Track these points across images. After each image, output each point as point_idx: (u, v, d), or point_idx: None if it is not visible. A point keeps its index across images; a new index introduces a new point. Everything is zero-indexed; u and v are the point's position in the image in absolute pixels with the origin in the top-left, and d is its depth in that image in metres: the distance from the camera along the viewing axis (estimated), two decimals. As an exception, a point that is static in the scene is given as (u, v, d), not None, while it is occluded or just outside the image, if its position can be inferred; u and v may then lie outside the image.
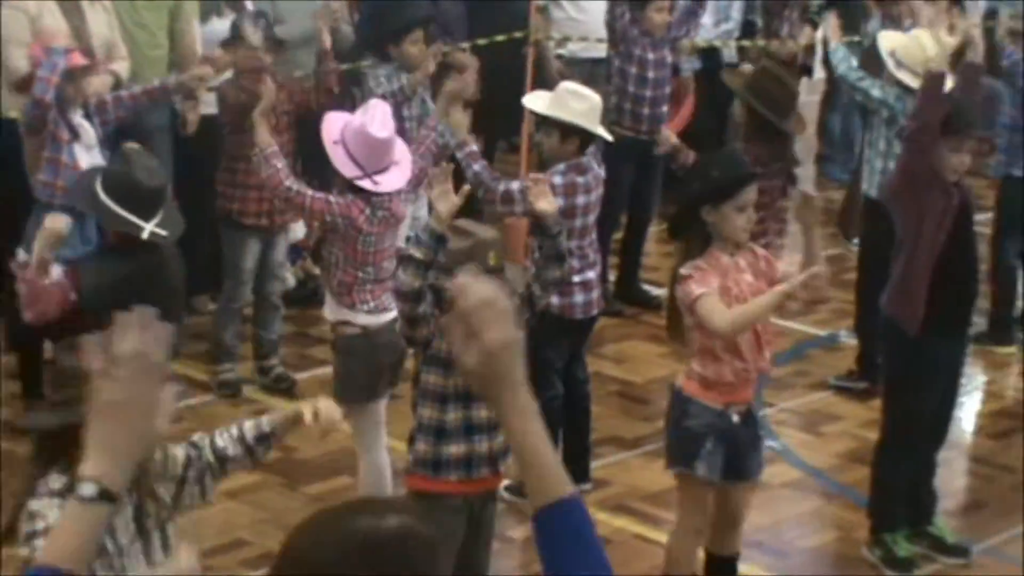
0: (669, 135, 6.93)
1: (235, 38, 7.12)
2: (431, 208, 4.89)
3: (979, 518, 6.37)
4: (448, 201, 4.72)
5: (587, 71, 9.37)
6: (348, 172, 5.69)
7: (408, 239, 6.34)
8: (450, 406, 4.70)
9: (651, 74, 8.32)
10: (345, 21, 8.27)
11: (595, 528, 2.33)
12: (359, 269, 5.73)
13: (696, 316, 4.94)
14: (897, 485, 5.93)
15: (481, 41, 8.70)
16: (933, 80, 5.65)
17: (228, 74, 7.20)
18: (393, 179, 5.76)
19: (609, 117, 8.18)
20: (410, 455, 4.82)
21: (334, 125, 5.80)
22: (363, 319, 5.74)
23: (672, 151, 6.88)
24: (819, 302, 5.73)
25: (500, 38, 8.83)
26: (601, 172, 6.25)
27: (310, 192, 5.78)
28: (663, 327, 7.06)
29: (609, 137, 6.29)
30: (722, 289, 4.94)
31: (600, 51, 9.40)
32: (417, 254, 4.63)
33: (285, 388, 7.13)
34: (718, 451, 5.05)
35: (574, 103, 6.10)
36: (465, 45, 8.59)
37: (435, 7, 8.52)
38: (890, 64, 7.09)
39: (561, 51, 9.32)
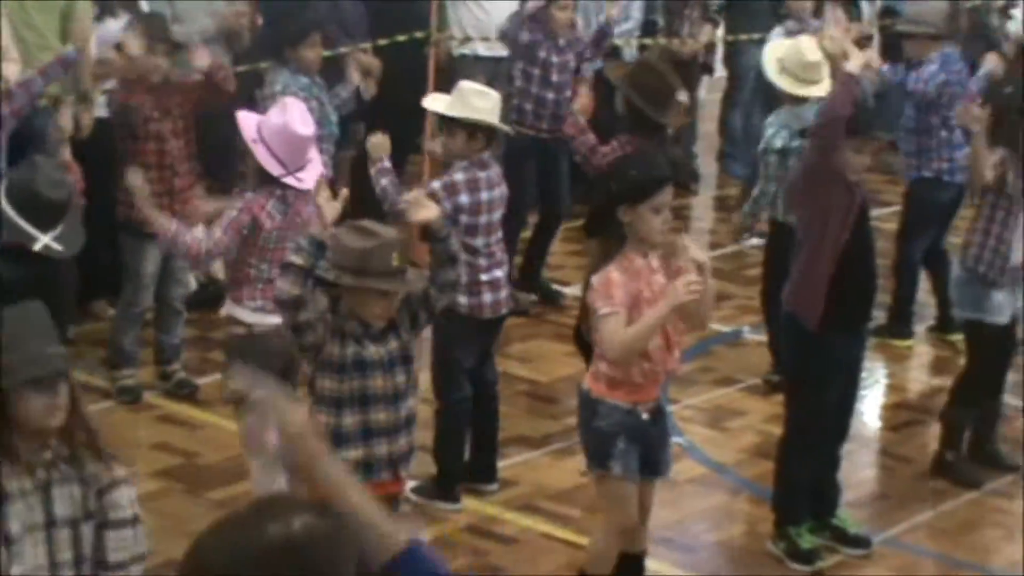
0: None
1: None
2: None
3: (881, 509, 6.44)
4: (331, 207, 4.75)
5: (490, 70, 9.37)
6: (274, 170, 5.73)
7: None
8: (346, 411, 4.67)
9: (555, 77, 8.36)
10: (244, 26, 8.20)
11: (445, 563, 2.46)
12: (254, 266, 5.72)
13: (596, 332, 4.97)
14: (801, 480, 5.99)
15: (382, 42, 8.67)
16: (845, 80, 5.70)
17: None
18: (311, 176, 5.81)
19: (511, 117, 8.22)
20: None
21: (249, 123, 5.80)
22: (249, 317, 5.72)
23: (587, 151, 6.91)
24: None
25: (401, 38, 8.80)
26: (497, 171, 6.27)
27: (219, 234, 5.77)
28: (569, 326, 7.11)
29: (511, 131, 6.27)
30: (634, 296, 4.94)
31: (503, 51, 9.41)
32: (298, 260, 4.59)
33: (187, 393, 7.05)
34: (631, 449, 5.06)
35: (478, 101, 6.11)
36: (366, 46, 8.55)
37: (335, 8, 8.49)
38: (773, 71, 7.19)
39: (464, 50, 9.31)
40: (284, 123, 5.74)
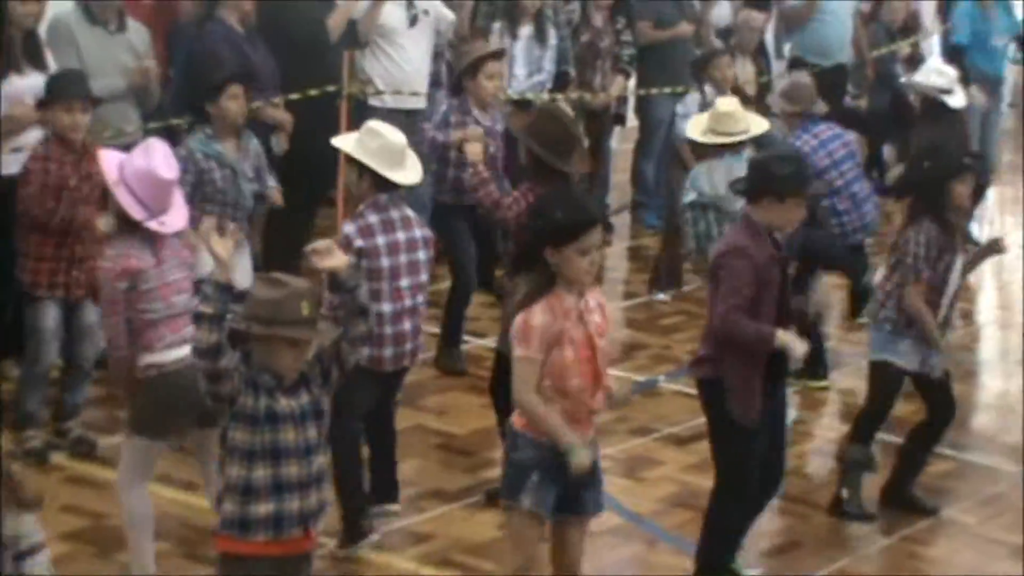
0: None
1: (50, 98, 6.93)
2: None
3: (795, 557, 6.44)
4: (225, 248, 4.66)
5: (400, 122, 9.34)
6: (137, 214, 5.64)
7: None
8: (258, 464, 4.59)
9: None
10: (153, 83, 8.12)
11: None
12: (145, 311, 5.65)
13: (514, 366, 4.96)
14: (730, 530, 5.96)
15: (294, 96, 8.63)
16: None
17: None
18: (175, 220, 5.75)
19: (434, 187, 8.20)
20: (219, 515, 4.70)
21: (111, 163, 5.72)
22: (161, 357, 5.65)
23: (491, 204, 6.86)
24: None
25: (313, 92, 8.77)
26: (410, 213, 6.19)
27: (109, 321, 5.69)
28: (484, 378, 7.08)
29: (398, 179, 6.10)
30: (556, 335, 4.92)
31: (415, 103, 9.40)
32: (207, 309, 4.53)
33: (85, 451, 6.93)
34: (547, 485, 5.03)
35: (369, 141, 6.08)
36: (278, 100, 8.50)
37: (246, 62, 8.44)
38: (698, 135, 7.41)
39: (375, 102, 9.29)
40: (147, 166, 5.64)
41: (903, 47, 11.77)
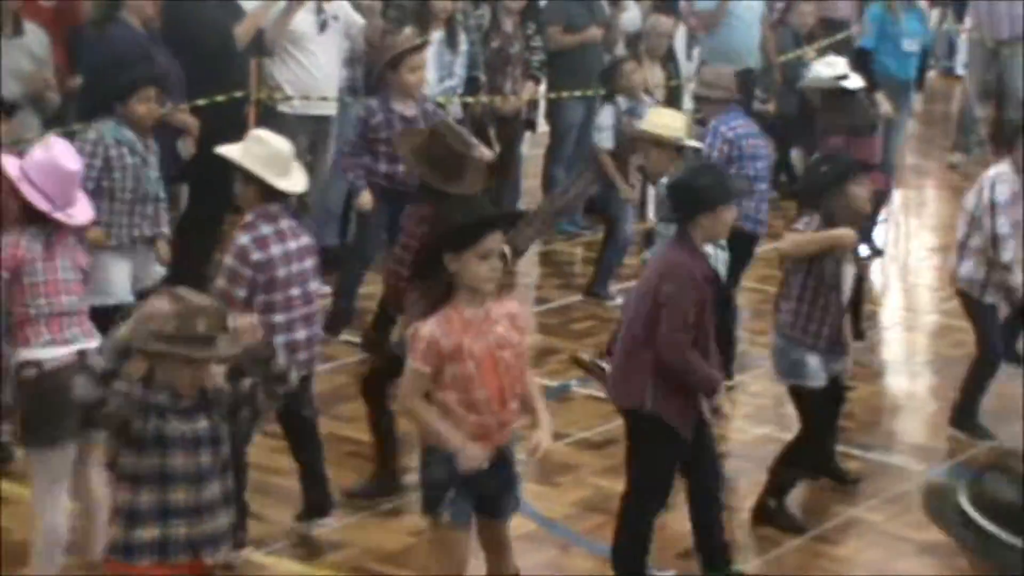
0: None
1: None
2: None
3: (708, 559, 6.48)
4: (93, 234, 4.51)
5: (311, 128, 9.33)
6: (42, 206, 5.57)
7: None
8: (143, 488, 4.44)
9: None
10: (52, 89, 8.03)
11: None
12: (29, 305, 5.57)
13: (405, 376, 4.96)
14: (644, 535, 5.98)
15: (201, 101, 8.57)
16: None
17: None
18: (81, 212, 5.70)
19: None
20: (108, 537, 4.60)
21: (11, 165, 5.65)
22: (39, 353, 5.54)
23: None
24: None
25: (220, 98, 8.71)
26: (294, 222, 6.14)
27: None
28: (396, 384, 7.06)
29: (285, 187, 6.04)
30: (451, 350, 4.90)
31: (325, 108, 9.37)
32: (97, 365, 4.35)
33: (3, 458, 6.83)
34: (464, 497, 5.04)
35: (255, 148, 6.06)
36: (185, 106, 8.44)
37: (153, 67, 8.36)
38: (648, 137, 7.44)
39: (284, 109, 9.25)
40: (50, 158, 5.60)
41: (810, 52, 11.90)
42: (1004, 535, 2.85)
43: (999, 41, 13.29)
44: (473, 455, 4.96)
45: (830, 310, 6.51)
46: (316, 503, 6.40)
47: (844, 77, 9.44)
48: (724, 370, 6.12)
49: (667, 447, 5.82)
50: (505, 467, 5.18)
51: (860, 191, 6.56)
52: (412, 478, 6.08)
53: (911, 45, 11.15)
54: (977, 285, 7.57)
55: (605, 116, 9.54)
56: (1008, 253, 7.42)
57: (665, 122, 7.78)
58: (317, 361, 6.34)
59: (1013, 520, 2.84)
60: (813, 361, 6.53)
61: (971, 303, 7.67)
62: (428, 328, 4.91)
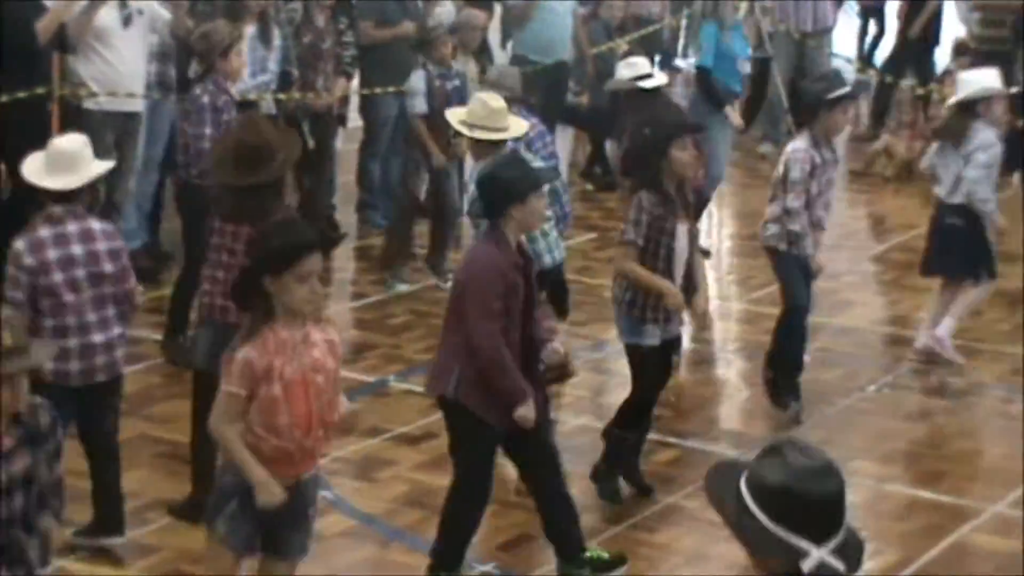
0: None
1: None
2: None
3: (526, 551, 6.47)
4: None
5: (118, 125, 9.12)
6: None
7: None
8: None
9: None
10: None
11: None
12: None
13: (219, 398, 4.86)
14: (467, 527, 5.97)
15: (3, 98, 8.32)
16: None
17: None
18: None
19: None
20: None
21: None
22: None
23: None
24: None
25: (22, 95, 8.47)
26: (94, 225, 5.99)
27: None
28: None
29: (51, 184, 5.87)
30: (265, 369, 4.79)
31: (132, 105, 9.17)
32: None
33: None
34: (245, 517, 4.92)
35: (48, 150, 5.96)
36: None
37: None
38: (465, 131, 7.34)
39: (90, 105, 9.03)
40: None
41: (622, 44, 12.02)
42: (764, 519, 2.96)
43: (804, 33, 13.60)
44: (271, 491, 4.85)
45: (663, 268, 6.61)
46: (107, 521, 6.19)
47: (644, 77, 9.55)
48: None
49: (478, 436, 5.83)
50: (299, 503, 5.03)
51: (682, 155, 6.63)
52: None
53: (742, 64, 11.34)
54: (782, 239, 7.80)
55: (417, 80, 9.55)
56: (797, 225, 7.71)
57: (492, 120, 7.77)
58: (120, 365, 6.17)
59: (774, 504, 2.95)
60: (651, 325, 6.68)
61: (776, 257, 7.88)
62: (244, 351, 4.81)
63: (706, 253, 10.96)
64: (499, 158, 6.54)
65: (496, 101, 7.30)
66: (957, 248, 8.58)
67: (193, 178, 7.96)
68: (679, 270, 6.72)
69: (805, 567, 2.91)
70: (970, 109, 8.46)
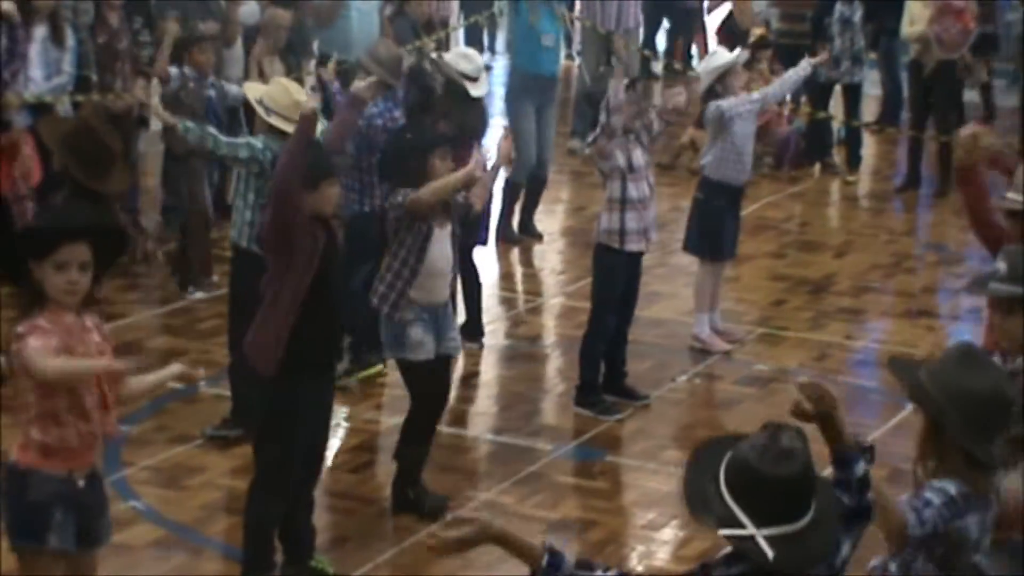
0: None
1: None
2: None
3: (344, 551, 6.41)
4: None
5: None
6: None
7: None
8: None
9: None
10: None
11: None
12: None
13: (23, 364, 4.65)
14: (270, 527, 5.91)
15: None
16: (305, 121, 5.69)
17: None
18: None
19: None
20: None
21: None
22: None
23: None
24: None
25: None
26: None
27: None
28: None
29: None
30: (67, 348, 4.68)
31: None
32: None
33: None
34: (69, 520, 4.82)
35: None
36: None
37: None
38: (260, 111, 7.12)
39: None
40: None
41: (428, 42, 11.97)
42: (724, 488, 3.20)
43: (609, 30, 13.72)
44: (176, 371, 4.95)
45: (415, 281, 6.53)
46: None
47: (474, 80, 9.42)
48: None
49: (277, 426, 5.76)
50: (99, 487, 4.97)
51: (440, 165, 6.60)
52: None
53: (548, 40, 11.31)
54: (616, 234, 7.85)
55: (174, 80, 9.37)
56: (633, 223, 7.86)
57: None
58: None
59: (730, 474, 3.20)
60: (417, 333, 6.54)
61: (601, 252, 7.91)
62: (44, 321, 4.65)
63: (539, 237, 11.14)
64: None
65: (299, 94, 7.10)
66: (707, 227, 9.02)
67: None
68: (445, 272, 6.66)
69: (725, 533, 3.14)
70: (712, 93, 8.80)
